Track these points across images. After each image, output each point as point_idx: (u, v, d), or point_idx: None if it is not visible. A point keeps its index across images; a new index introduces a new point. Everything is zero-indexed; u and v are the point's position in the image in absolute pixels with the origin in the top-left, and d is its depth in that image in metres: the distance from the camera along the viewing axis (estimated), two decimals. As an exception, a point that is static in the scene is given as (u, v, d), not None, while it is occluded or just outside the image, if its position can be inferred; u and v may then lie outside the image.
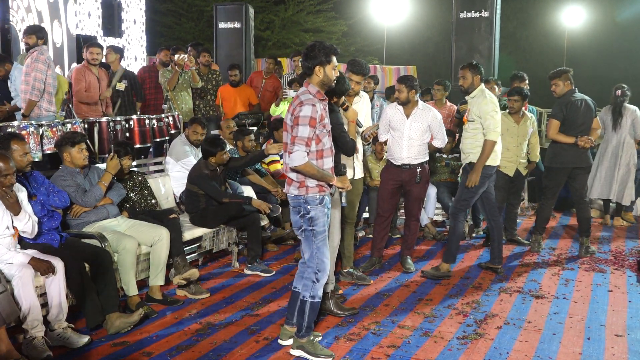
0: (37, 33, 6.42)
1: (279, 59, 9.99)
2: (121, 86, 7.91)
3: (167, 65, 8.54)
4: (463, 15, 9.44)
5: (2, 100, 6.75)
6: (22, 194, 4.10)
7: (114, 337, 4.16)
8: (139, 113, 8.07)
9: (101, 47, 7.45)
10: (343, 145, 4.46)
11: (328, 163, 3.88)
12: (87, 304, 4.17)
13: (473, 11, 9.37)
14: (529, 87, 7.33)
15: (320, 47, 3.82)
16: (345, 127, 4.62)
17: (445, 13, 18.18)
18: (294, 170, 3.77)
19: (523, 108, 6.62)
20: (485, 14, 9.30)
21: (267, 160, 7.13)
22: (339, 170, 3.97)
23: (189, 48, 9.28)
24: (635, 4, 19.23)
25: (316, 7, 19.49)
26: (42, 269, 3.90)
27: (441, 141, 5.59)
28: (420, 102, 5.53)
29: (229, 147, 6.67)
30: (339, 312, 4.61)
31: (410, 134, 5.48)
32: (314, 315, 3.94)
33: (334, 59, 3.88)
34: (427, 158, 5.60)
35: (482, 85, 5.50)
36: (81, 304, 4.20)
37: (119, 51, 8.25)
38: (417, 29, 20.77)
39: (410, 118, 5.48)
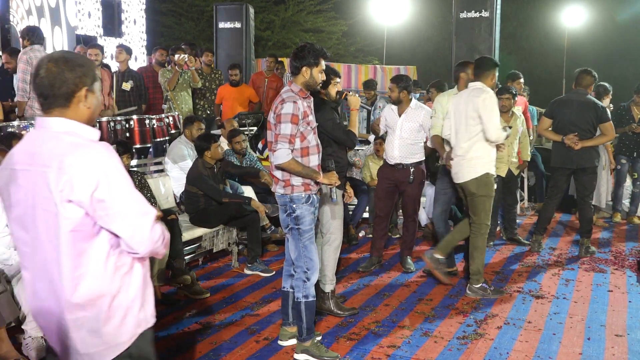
0: (27, 34, 6.46)
1: (280, 59, 9.99)
2: (127, 86, 7.92)
3: (163, 64, 8.55)
4: (463, 15, 9.42)
5: (6, 93, 6.75)
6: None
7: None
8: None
9: (101, 48, 7.44)
10: (339, 139, 4.43)
11: (314, 160, 3.87)
12: None
13: (473, 11, 9.35)
14: (525, 87, 7.33)
15: (310, 48, 3.82)
16: (345, 121, 4.62)
17: (445, 13, 18.17)
18: (278, 168, 3.78)
19: (522, 107, 6.62)
20: (485, 14, 9.28)
21: (265, 154, 7.15)
22: (327, 166, 3.96)
23: (183, 46, 9.27)
24: (635, 4, 19.23)
25: (316, 7, 19.48)
26: None
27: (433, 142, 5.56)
28: (414, 102, 5.53)
29: (227, 146, 6.67)
30: (339, 312, 4.60)
31: (402, 133, 5.49)
32: (311, 316, 3.93)
33: (323, 62, 3.86)
34: (421, 158, 5.57)
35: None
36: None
37: (129, 52, 8.28)
38: (417, 29, 20.76)
39: (402, 117, 5.50)
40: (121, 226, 1.95)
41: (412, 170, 5.50)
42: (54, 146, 1.97)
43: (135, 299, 2.08)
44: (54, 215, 1.92)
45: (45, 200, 1.92)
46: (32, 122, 5.42)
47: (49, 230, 1.95)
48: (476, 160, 4.87)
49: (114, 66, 8.90)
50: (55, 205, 1.91)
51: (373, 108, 8.06)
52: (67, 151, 1.93)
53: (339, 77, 4.56)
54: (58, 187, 1.90)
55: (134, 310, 2.07)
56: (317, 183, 3.87)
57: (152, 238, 1.99)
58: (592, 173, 6.21)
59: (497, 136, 4.81)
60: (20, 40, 6.58)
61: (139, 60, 11.95)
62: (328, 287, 4.56)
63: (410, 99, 5.53)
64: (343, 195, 4.72)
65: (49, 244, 1.96)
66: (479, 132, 4.81)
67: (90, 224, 1.95)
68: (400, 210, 6.45)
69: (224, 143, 6.66)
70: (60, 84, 2.00)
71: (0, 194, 2.08)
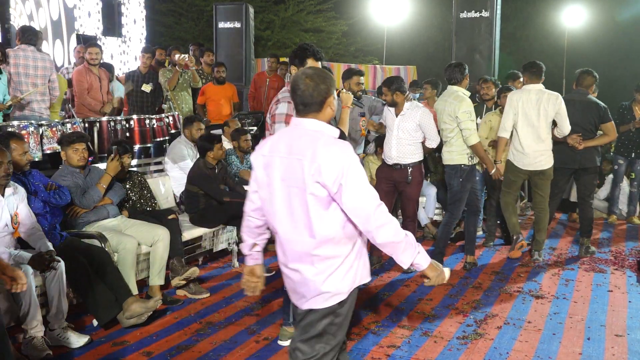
0: (18, 35, 6.49)
1: (281, 60, 9.99)
2: (147, 88, 7.96)
3: (162, 64, 8.56)
4: (463, 15, 9.42)
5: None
6: (20, 194, 4.10)
7: (114, 337, 4.16)
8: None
9: (100, 47, 7.44)
10: None
11: None
12: (97, 300, 4.15)
13: (473, 11, 9.35)
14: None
15: (304, 48, 3.83)
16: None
17: (445, 13, 18.16)
18: None
19: None
20: (485, 14, 9.29)
21: None
22: None
23: (192, 47, 9.27)
24: (635, 4, 19.22)
25: (316, 7, 19.45)
26: (42, 265, 3.88)
27: (432, 141, 5.54)
28: (410, 102, 5.52)
29: (228, 146, 6.67)
30: None
31: (399, 133, 5.48)
32: None
33: (311, 62, 3.81)
34: (419, 158, 5.56)
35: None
36: (89, 302, 4.19)
37: (154, 54, 8.45)
38: (417, 29, 20.73)
39: (398, 117, 5.50)
40: (353, 207, 2.51)
41: (410, 170, 5.50)
42: (308, 141, 2.57)
43: (357, 259, 2.66)
44: (304, 191, 2.53)
45: (299, 181, 2.54)
46: (33, 121, 5.42)
47: (300, 202, 2.56)
48: (550, 151, 5.84)
49: (116, 64, 8.92)
50: (305, 185, 2.52)
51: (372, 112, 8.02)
52: (318, 146, 2.53)
53: (332, 74, 4.56)
54: (310, 171, 2.50)
55: (354, 268, 2.64)
56: None
57: (376, 221, 2.52)
58: (593, 173, 6.23)
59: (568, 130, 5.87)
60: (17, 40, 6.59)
61: (138, 60, 11.95)
62: None
63: (404, 99, 5.52)
64: None
65: (300, 213, 2.58)
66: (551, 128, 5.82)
67: (330, 200, 2.53)
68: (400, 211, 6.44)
69: (226, 143, 6.66)
70: (317, 94, 2.63)
71: (256, 172, 2.75)
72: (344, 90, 4.59)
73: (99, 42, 9.76)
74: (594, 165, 6.17)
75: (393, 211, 6.71)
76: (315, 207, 2.53)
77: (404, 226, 5.84)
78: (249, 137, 6.64)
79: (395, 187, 5.64)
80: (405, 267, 2.62)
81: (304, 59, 3.81)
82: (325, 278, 2.59)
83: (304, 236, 2.59)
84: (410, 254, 2.59)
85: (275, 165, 2.64)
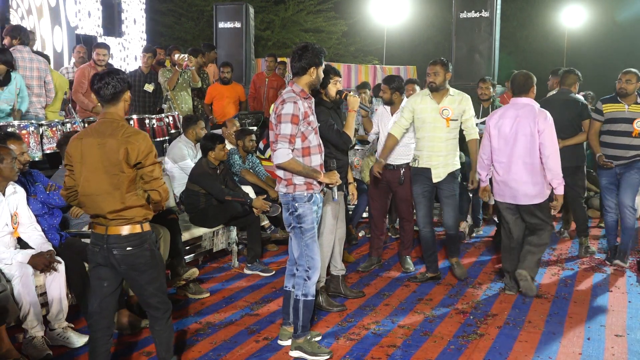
0: (10, 33, 6.37)
1: (280, 59, 9.99)
2: (149, 88, 7.97)
3: (162, 64, 8.55)
4: (463, 15, 9.42)
5: None
6: (20, 194, 4.10)
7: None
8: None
9: (108, 48, 7.40)
10: (333, 141, 4.43)
11: (316, 160, 3.88)
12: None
13: (473, 11, 9.35)
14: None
15: (314, 48, 3.85)
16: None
17: (445, 13, 18.16)
18: (279, 167, 3.80)
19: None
20: (485, 14, 9.29)
21: (267, 154, 7.15)
22: (328, 166, 3.97)
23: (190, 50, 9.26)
24: (635, 4, 19.22)
25: (316, 7, 19.45)
26: (43, 264, 3.88)
27: None
28: (404, 102, 5.49)
29: (230, 146, 6.67)
30: (328, 307, 4.67)
31: None
32: (308, 314, 3.94)
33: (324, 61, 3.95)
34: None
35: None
36: (82, 305, 4.19)
37: (155, 54, 8.45)
38: (417, 29, 20.75)
39: (393, 117, 5.49)
40: (545, 143, 4.64)
41: (402, 171, 5.48)
42: (529, 109, 4.75)
43: None
44: (528, 136, 4.65)
45: (526, 130, 4.65)
46: (33, 121, 5.42)
47: (525, 142, 4.67)
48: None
49: (116, 64, 8.89)
50: (530, 131, 4.63)
51: (370, 112, 8.01)
52: (535, 110, 4.72)
53: (340, 76, 4.55)
54: (535, 123, 4.60)
55: None
56: (319, 182, 3.88)
57: (553, 156, 4.66)
58: (575, 173, 6.07)
59: None
60: (8, 38, 6.39)
61: (138, 60, 11.95)
62: (319, 284, 4.58)
63: (402, 100, 5.51)
64: (346, 197, 4.72)
65: (522, 149, 4.68)
66: None
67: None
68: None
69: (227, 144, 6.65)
70: (527, 83, 4.81)
71: (490, 130, 4.83)
72: (352, 93, 4.58)
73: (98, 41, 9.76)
74: (576, 165, 6.05)
75: (393, 211, 6.71)
76: (533, 144, 4.57)
77: (401, 226, 5.83)
78: (253, 137, 6.64)
79: (389, 187, 5.62)
80: (553, 186, 4.67)
81: (321, 57, 3.87)
82: (541, 183, 4.70)
83: (527, 161, 4.63)
84: (558, 182, 4.65)
85: (505, 124, 4.70)
